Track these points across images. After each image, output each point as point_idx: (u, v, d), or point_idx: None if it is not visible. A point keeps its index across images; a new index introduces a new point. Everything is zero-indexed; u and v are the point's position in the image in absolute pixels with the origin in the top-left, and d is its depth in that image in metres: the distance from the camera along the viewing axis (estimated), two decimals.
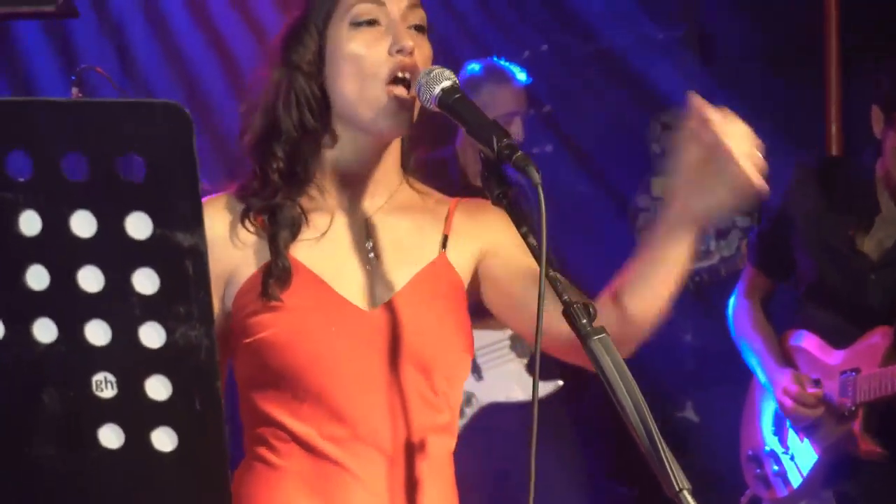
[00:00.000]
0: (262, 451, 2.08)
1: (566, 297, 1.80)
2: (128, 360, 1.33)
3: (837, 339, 3.68)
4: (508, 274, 2.17)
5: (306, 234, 2.10)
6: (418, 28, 2.11)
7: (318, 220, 2.11)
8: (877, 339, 3.59)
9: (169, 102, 1.26)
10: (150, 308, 1.31)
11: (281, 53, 2.11)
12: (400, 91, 2.05)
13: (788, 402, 3.65)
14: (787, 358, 3.78)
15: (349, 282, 2.10)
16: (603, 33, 5.72)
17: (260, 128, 2.11)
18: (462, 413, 4.33)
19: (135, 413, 1.34)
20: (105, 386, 1.33)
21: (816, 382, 3.67)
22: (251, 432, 2.10)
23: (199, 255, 1.30)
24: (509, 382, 4.38)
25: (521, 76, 4.56)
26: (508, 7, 5.72)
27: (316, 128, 2.10)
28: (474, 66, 4.57)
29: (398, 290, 2.12)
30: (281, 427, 2.05)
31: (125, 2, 5.27)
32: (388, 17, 2.08)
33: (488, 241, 2.21)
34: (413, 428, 2.08)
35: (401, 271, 2.14)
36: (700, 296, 4.69)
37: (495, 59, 4.64)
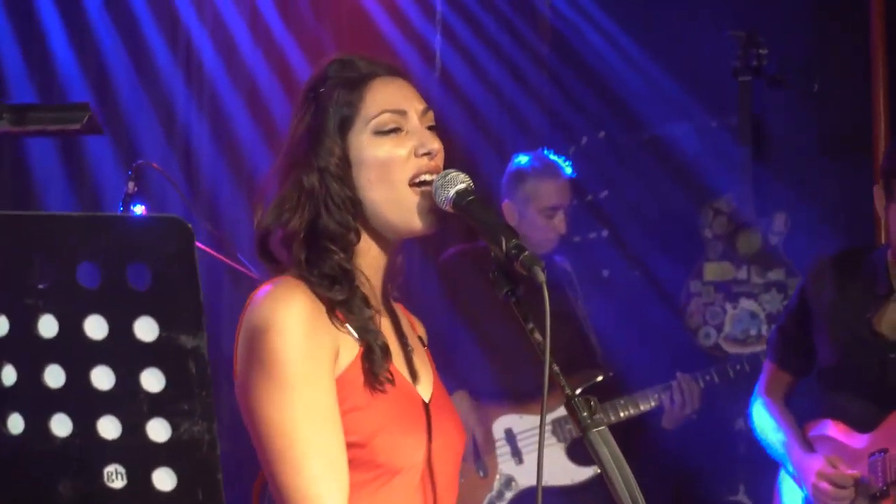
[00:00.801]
0: None
1: (568, 391, 1.89)
2: (136, 452, 1.43)
3: (861, 423, 3.66)
4: None
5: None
6: (431, 128, 2.19)
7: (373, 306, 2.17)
8: None
9: (173, 217, 1.38)
10: (157, 405, 1.42)
11: (307, 158, 2.14)
12: (427, 190, 2.13)
13: (825, 486, 3.60)
14: (811, 448, 3.77)
15: (408, 371, 2.18)
16: (655, 122, 5.82)
17: (305, 231, 2.13)
18: (502, 496, 4.35)
19: (143, 503, 1.44)
20: (116, 477, 1.44)
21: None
22: None
23: (200, 356, 1.40)
24: (549, 467, 4.29)
25: (568, 170, 4.57)
26: (562, 97, 5.83)
27: (357, 226, 2.16)
28: (521, 159, 4.60)
29: (434, 382, 2.22)
30: None
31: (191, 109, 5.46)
32: (409, 122, 2.17)
33: None
34: None
35: (423, 362, 2.24)
36: (741, 385, 4.70)
37: (544, 151, 4.67)
